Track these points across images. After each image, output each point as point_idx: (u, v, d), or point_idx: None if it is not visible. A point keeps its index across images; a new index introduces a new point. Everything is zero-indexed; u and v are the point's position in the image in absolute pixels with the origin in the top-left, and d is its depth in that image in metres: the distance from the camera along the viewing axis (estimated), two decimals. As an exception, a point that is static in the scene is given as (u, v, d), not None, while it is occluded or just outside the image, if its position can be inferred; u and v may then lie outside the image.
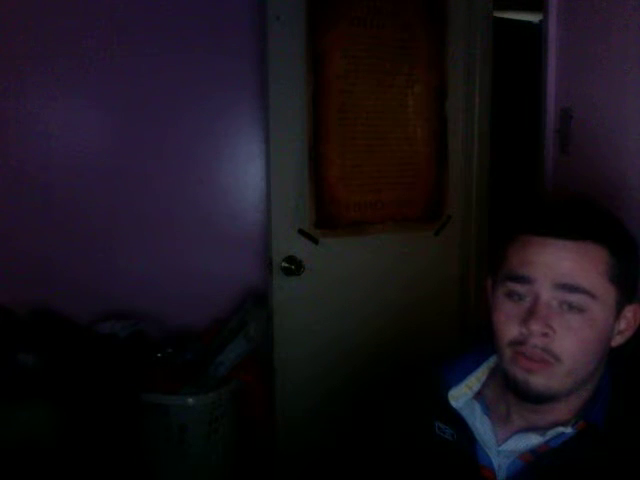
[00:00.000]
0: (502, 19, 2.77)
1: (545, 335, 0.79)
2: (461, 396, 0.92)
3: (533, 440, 0.84)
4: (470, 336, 2.18)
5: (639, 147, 1.43)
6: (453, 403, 0.91)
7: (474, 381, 0.93)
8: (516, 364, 0.81)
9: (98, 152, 2.18)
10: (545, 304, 0.79)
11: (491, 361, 0.95)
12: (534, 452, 0.84)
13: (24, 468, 1.67)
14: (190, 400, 1.91)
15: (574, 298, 0.79)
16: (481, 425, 0.89)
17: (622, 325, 0.84)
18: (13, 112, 2.07)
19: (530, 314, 0.79)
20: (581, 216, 0.84)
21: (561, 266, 0.79)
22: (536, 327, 0.78)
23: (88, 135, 2.17)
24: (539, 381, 0.80)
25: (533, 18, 2.98)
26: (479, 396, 0.92)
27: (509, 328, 0.82)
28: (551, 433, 0.83)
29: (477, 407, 0.90)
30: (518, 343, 0.80)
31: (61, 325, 2.07)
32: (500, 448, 0.86)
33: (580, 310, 0.79)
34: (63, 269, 2.14)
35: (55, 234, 2.14)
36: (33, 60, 2.06)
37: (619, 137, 1.50)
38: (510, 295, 0.83)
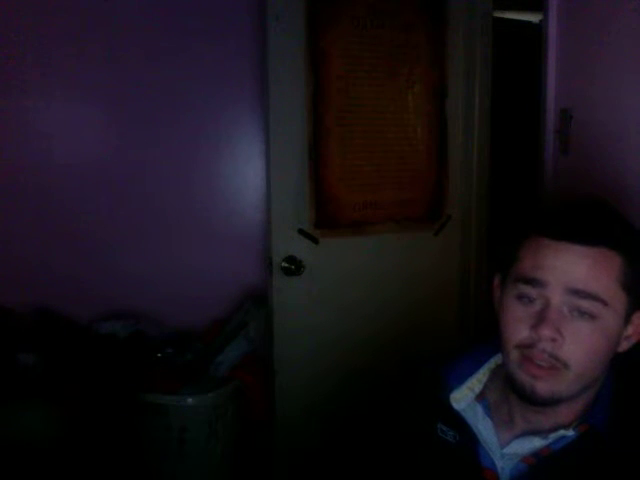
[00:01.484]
0: (502, 19, 2.77)
1: (554, 340, 0.78)
2: (463, 398, 0.91)
3: (536, 443, 0.84)
4: (470, 336, 2.18)
5: (639, 147, 1.43)
6: (455, 405, 0.91)
7: (475, 382, 0.93)
8: (522, 369, 0.80)
9: (97, 152, 2.18)
10: (556, 309, 0.78)
11: (492, 362, 0.94)
12: (536, 455, 0.84)
13: (24, 468, 1.67)
14: (190, 400, 1.91)
15: (585, 304, 0.78)
16: (483, 427, 0.88)
17: (629, 331, 0.84)
18: (13, 112, 2.08)
19: (540, 319, 0.78)
20: (597, 221, 0.82)
21: (575, 271, 0.78)
22: (546, 332, 0.77)
23: (88, 135, 2.17)
24: (545, 387, 0.79)
25: (533, 18, 2.97)
26: (481, 398, 0.91)
27: (517, 330, 0.81)
28: (553, 436, 0.83)
29: (479, 409, 0.90)
30: (526, 346, 0.80)
31: (61, 325, 2.07)
32: (504, 451, 0.86)
33: (591, 317, 0.78)
34: (63, 269, 2.15)
35: (55, 234, 2.14)
36: (33, 60, 2.06)
37: (619, 137, 1.50)
38: (520, 297, 0.82)
